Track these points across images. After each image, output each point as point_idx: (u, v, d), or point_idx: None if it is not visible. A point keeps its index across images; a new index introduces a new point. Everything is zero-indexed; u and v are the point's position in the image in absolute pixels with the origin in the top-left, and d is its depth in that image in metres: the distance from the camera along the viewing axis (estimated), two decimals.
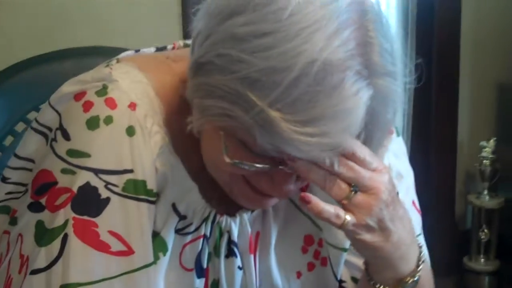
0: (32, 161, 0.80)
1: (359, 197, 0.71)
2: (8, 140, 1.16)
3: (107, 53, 1.27)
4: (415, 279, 0.76)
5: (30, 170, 0.80)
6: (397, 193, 0.74)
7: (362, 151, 0.70)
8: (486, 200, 2.47)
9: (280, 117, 0.64)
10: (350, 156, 0.70)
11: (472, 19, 2.48)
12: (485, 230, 2.49)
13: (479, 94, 2.58)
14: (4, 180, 0.83)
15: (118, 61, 0.82)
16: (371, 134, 0.70)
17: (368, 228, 0.72)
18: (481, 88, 2.57)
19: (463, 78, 2.51)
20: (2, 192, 0.83)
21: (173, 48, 0.90)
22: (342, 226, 0.71)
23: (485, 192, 2.47)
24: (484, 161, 2.45)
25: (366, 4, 0.69)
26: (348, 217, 0.71)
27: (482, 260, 2.51)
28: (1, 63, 1.19)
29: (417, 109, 2.48)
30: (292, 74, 0.64)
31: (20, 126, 1.17)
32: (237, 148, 0.70)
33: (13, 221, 0.79)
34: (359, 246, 0.75)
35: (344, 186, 0.71)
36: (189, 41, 0.89)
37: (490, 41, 2.52)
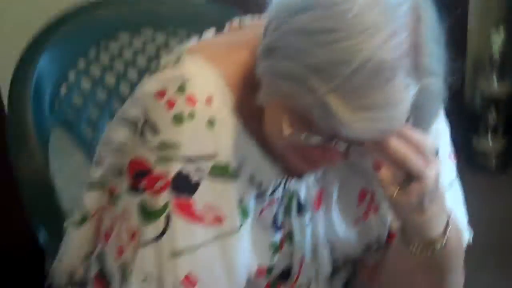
0: (120, 148, 0.93)
1: (412, 185, 0.81)
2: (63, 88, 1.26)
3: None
4: (443, 243, 0.89)
5: (121, 155, 0.92)
6: (437, 152, 0.84)
7: (424, 142, 0.81)
8: (495, 86, 2.58)
9: (338, 102, 0.75)
10: (415, 145, 0.80)
11: None
12: (493, 114, 2.62)
13: None
14: (97, 164, 0.97)
15: (187, 51, 0.92)
16: (418, 125, 0.81)
17: (410, 206, 0.84)
18: None
19: None
20: (97, 173, 0.96)
21: (230, 29, 1.00)
22: (389, 196, 0.83)
23: (494, 78, 2.58)
24: (494, 48, 2.53)
25: (421, 9, 0.77)
26: (396, 193, 0.82)
27: (490, 141, 2.67)
28: (46, 15, 1.27)
29: None
30: (352, 67, 0.73)
31: (71, 74, 1.27)
32: (297, 122, 0.80)
33: (113, 200, 0.93)
34: (397, 214, 0.88)
35: (401, 173, 0.81)
36: (244, 21, 1.00)
37: None
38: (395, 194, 0.82)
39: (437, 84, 0.78)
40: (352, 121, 0.75)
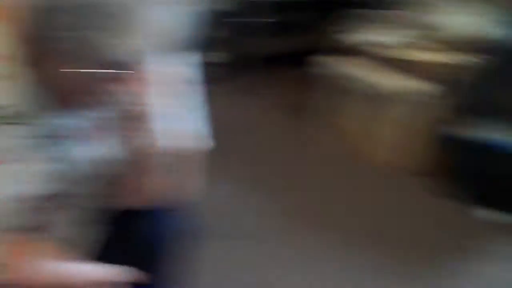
0: None
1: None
2: None
3: None
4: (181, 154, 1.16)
5: None
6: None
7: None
8: (225, 5, 2.91)
9: (105, 36, 0.96)
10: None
11: None
12: (224, 30, 2.94)
13: None
14: None
15: None
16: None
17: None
18: None
19: None
20: None
21: None
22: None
23: None
24: None
25: None
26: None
27: (220, 54, 3.02)
28: None
29: None
30: (113, 9, 0.97)
31: None
32: (78, 63, 0.98)
33: None
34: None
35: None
36: None
37: None
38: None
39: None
40: (116, 49, 0.97)
